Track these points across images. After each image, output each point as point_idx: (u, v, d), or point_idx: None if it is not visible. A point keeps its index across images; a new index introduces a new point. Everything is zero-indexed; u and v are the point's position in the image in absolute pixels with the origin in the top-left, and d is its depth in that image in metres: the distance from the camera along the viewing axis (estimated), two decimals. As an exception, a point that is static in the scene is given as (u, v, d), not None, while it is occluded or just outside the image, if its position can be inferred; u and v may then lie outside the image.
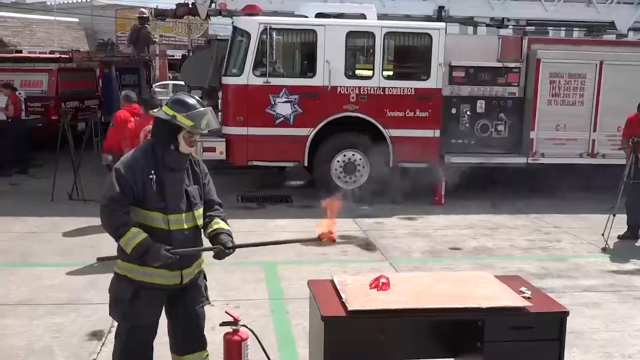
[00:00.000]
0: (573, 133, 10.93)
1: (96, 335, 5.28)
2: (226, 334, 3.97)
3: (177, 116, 3.60)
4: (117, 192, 3.53)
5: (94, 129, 10.39)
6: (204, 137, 10.61)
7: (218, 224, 3.81)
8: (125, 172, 3.58)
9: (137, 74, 18.73)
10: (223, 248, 3.70)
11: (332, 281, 3.89)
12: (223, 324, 3.97)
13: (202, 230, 3.83)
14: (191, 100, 3.68)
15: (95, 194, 9.90)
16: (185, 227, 3.69)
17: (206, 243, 3.86)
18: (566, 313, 3.59)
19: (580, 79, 10.84)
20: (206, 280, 4.00)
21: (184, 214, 3.69)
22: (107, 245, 7.66)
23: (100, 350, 5.02)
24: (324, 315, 3.41)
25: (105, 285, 6.32)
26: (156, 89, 23.30)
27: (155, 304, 3.76)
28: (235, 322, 3.96)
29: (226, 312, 4.01)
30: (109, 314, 3.85)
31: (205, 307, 3.98)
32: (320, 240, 3.75)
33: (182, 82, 14.85)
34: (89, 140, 10.51)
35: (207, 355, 4.00)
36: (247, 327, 3.98)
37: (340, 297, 3.62)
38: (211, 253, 3.78)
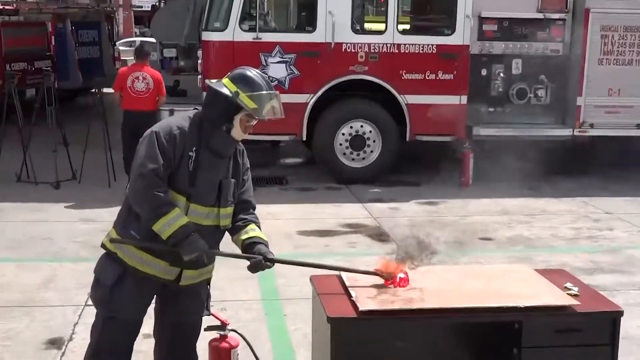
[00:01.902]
0: (629, 99, 10.96)
1: (55, 343, 5.35)
2: (212, 340, 4.03)
3: (241, 94, 3.66)
4: (160, 163, 3.59)
5: (47, 96, 10.39)
6: (180, 106, 10.64)
7: (255, 231, 3.87)
8: (168, 142, 3.63)
9: (98, 30, 18.74)
10: (263, 259, 3.75)
11: (339, 277, 3.96)
12: (208, 328, 4.04)
13: (224, 232, 3.89)
14: (258, 80, 3.73)
15: (50, 175, 9.99)
16: (204, 223, 3.74)
17: (232, 249, 3.93)
18: (620, 313, 3.65)
19: (638, 33, 10.85)
20: (209, 287, 4.06)
21: (208, 208, 3.75)
22: (64, 236, 7.84)
23: (61, 361, 5.11)
24: (331, 317, 3.48)
25: (62, 284, 6.52)
26: (121, 48, 23.32)
27: (141, 298, 3.82)
28: (223, 326, 4.02)
29: (212, 314, 4.08)
30: (90, 296, 3.94)
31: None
32: (380, 277, 3.85)
33: (152, 39, 14.84)
34: (41, 109, 10.52)
35: None
36: (237, 332, 4.05)
37: (349, 296, 3.68)
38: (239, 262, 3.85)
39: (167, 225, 3.59)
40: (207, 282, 4.03)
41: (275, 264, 3.84)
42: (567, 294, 3.77)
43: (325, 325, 3.53)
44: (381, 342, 3.76)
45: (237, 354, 4.05)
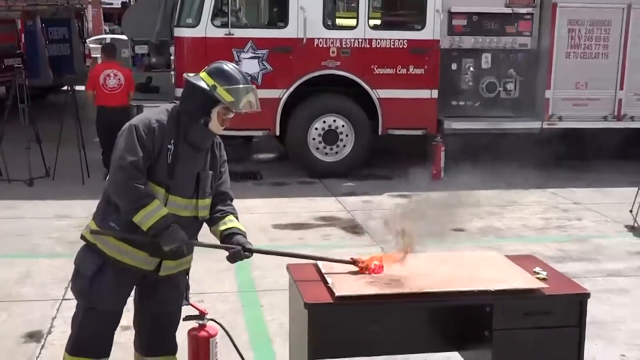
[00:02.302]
0: (596, 92, 11.17)
1: (33, 336, 5.38)
2: (191, 329, 4.10)
3: (218, 87, 3.72)
4: (140, 156, 3.65)
5: (18, 94, 10.36)
6: (153, 102, 10.66)
7: (233, 222, 3.95)
8: (146, 134, 3.69)
9: (68, 27, 18.65)
10: (242, 250, 3.83)
11: (315, 265, 4.04)
12: (187, 318, 4.11)
13: (202, 223, 3.97)
14: (235, 73, 3.80)
15: (23, 173, 9.96)
16: (183, 214, 3.81)
17: (210, 240, 4.02)
18: (587, 295, 3.78)
19: (604, 27, 11.05)
20: (188, 277, 4.13)
21: (186, 200, 3.82)
22: (38, 232, 7.84)
23: (40, 353, 5.13)
24: (308, 303, 3.56)
25: (39, 279, 6.54)
26: (91, 45, 23.20)
27: (120, 288, 3.88)
28: (201, 315, 4.09)
29: (190, 304, 4.14)
30: (70, 288, 4.00)
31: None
32: (354, 265, 3.94)
33: (123, 36, 14.81)
34: (12, 107, 10.49)
35: None
36: (215, 321, 4.12)
37: (325, 282, 3.77)
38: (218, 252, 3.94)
39: (147, 217, 3.66)
40: (186, 272, 4.10)
41: (254, 254, 3.92)
42: (536, 277, 3.90)
43: (303, 311, 3.61)
44: (357, 327, 3.86)
45: (216, 343, 4.12)
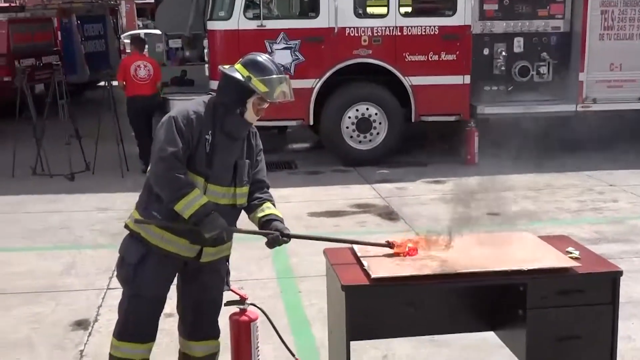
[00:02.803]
0: (631, 73, 11.08)
1: (81, 324, 5.58)
2: (232, 314, 4.22)
3: (253, 78, 3.83)
4: (179, 147, 3.78)
5: (57, 91, 10.60)
6: (188, 95, 10.83)
7: (270, 209, 4.08)
8: (185, 125, 3.81)
9: (103, 23, 18.92)
10: (280, 235, 3.95)
11: (351, 249, 4.14)
12: (228, 303, 4.22)
13: (241, 211, 4.09)
14: (269, 64, 3.91)
15: (64, 168, 10.20)
16: (221, 202, 3.93)
17: (249, 227, 4.12)
18: (619, 272, 3.82)
19: (638, 7, 10.96)
20: (228, 264, 4.26)
21: (224, 188, 3.95)
22: (81, 225, 8.05)
23: (88, 340, 5.32)
24: (345, 285, 3.67)
25: (83, 270, 6.74)
26: (125, 41, 23.46)
27: (164, 275, 4.02)
28: (242, 300, 4.20)
29: (231, 289, 4.27)
30: (116, 276, 4.15)
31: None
32: (391, 248, 4.02)
33: (157, 31, 15.00)
34: (52, 104, 10.74)
35: (218, 344, 4.27)
36: (256, 305, 4.23)
37: (361, 265, 3.87)
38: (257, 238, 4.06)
39: (188, 206, 3.78)
40: (226, 259, 4.23)
41: (292, 239, 4.03)
42: (569, 257, 3.96)
43: (340, 294, 3.72)
44: (393, 308, 3.95)
45: (257, 327, 4.24)
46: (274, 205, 4.14)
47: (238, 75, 3.86)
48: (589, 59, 10.98)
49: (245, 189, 4.04)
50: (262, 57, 3.97)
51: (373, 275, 3.70)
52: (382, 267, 3.79)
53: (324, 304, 4.50)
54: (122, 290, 4.08)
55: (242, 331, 4.20)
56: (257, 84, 3.82)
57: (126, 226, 4.05)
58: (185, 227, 3.87)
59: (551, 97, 11.19)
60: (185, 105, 3.97)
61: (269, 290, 6.21)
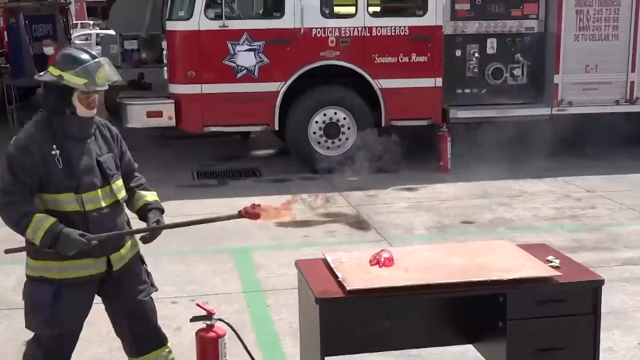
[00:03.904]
0: (607, 75, 11.25)
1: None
2: (199, 330, 4.24)
3: (65, 75, 3.82)
4: (11, 181, 3.77)
5: (6, 95, 10.50)
6: (146, 100, 10.81)
7: (144, 197, 4.17)
8: (20, 155, 3.79)
9: (53, 23, 18.74)
10: (148, 235, 4.05)
11: (324, 260, 4.19)
12: (194, 319, 4.23)
13: (124, 204, 4.13)
14: (80, 54, 3.91)
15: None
16: (104, 204, 3.94)
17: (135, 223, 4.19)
18: (601, 282, 3.92)
19: (613, 7, 11.12)
20: (145, 265, 4.28)
21: (99, 190, 3.94)
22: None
23: (43, 360, 5.26)
24: (319, 298, 3.70)
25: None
26: (77, 42, 23.32)
27: (83, 302, 3.99)
28: (209, 316, 4.22)
29: (197, 304, 4.28)
30: (25, 326, 4.04)
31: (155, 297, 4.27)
32: (241, 216, 4.04)
33: (111, 31, 14.94)
34: (1, 108, 10.64)
35: (170, 350, 4.28)
36: (224, 321, 4.25)
37: (335, 277, 3.91)
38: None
39: (34, 234, 3.78)
40: (141, 260, 4.26)
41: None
42: (549, 266, 4.04)
43: (314, 307, 3.76)
44: (370, 321, 4.00)
45: (225, 344, 4.26)
46: (147, 189, 4.23)
47: (49, 78, 3.88)
48: (564, 60, 11.12)
49: (119, 182, 4.07)
50: (71, 49, 4.04)
51: (348, 287, 3.74)
52: (357, 279, 3.84)
53: (293, 317, 4.53)
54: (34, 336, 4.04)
55: (210, 348, 4.21)
56: (71, 78, 3.82)
57: (27, 276, 4.00)
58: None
59: (526, 100, 11.34)
60: (19, 134, 3.93)
61: (235, 304, 6.21)
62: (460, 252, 4.29)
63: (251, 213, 3.98)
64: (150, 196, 4.21)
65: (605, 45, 11.19)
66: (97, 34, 27.73)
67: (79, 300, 3.95)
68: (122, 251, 4.04)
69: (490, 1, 11.07)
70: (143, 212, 4.15)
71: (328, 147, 10.90)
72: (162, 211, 4.20)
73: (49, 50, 11.63)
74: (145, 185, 4.25)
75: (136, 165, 4.27)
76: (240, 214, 4.02)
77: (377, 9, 11.37)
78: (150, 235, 4.07)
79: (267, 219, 4.12)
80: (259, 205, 4.04)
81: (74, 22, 29.29)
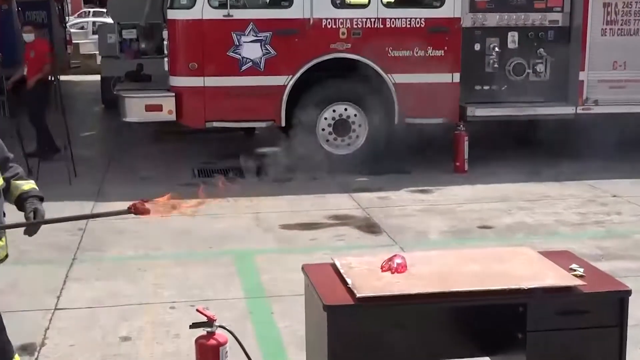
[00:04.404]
0: (636, 72, 11.23)
1: (26, 349, 5.52)
2: (199, 338, 4.23)
3: None
4: None
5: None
6: (145, 93, 10.84)
7: (20, 187, 4.16)
8: None
9: (47, 10, 18.79)
10: (28, 227, 4.02)
11: (333, 265, 4.18)
12: (194, 325, 4.23)
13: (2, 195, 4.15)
14: None
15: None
16: None
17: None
18: (628, 292, 3.90)
19: (643, 0, 11.14)
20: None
21: None
22: (24, 237, 7.97)
23: (34, 367, 5.31)
24: (327, 305, 3.70)
25: (28, 288, 6.68)
26: (72, 30, 23.37)
27: None
28: (209, 322, 4.22)
29: (197, 310, 4.28)
30: None
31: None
32: (131, 212, 3.99)
33: (109, 20, 14.99)
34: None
35: None
36: (225, 328, 4.25)
37: (345, 283, 3.90)
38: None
39: None
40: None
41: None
42: (573, 275, 4.03)
43: (321, 314, 3.75)
44: (380, 330, 3.99)
45: (226, 352, 4.26)
46: (22, 178, 4.22)
47: None
48: (590, 56, 11.10)
49: None
50: None
51: (358, 294, 3.73)
52: (368, 285, 3.83)
53: (298, 325, 4.54)
54: None
55: (210, 357, 4.21)
56: None
57: None
58: None
59: (548, 98, 11.32)
60: None
61: (237, 311, 6.21)
62: (477, 258, 4.28)
63: (141, 209, 3.97)
64: (27, 185, 4.19)
65: (635, 41, 11.17)
66: (94, 22, 27.77)
67: None
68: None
69: (512, -8, 11.06)
70: (20, 202, 4.12)
71: (337, 146, 10.92)
72: (40, 199, 4.17)
73: (29, 37, 11.63)
74: (22, 175, 4.23)
75: (11, 155, 4.25)
76: (130, 210, 3.99)
77: (392, -1, 11.37)
78: (35, 229, 4.06)
79: (159, 213, 4.08)
80: (147, 200, 4.02)
81: (69, 9, 29.30)
